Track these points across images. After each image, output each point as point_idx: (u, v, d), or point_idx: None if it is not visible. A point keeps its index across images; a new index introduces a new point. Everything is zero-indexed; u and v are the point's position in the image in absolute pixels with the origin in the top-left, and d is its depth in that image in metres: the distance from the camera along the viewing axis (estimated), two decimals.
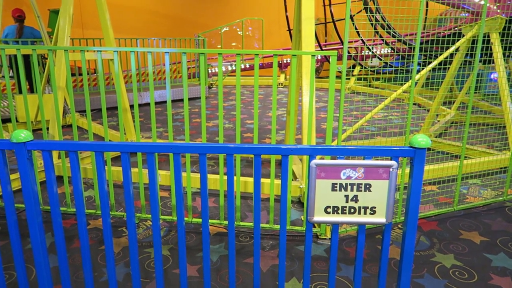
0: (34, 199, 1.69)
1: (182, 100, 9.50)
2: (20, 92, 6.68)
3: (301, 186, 3.79)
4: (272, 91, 3.30)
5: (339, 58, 12.32)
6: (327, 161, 1.54)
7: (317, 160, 1.54)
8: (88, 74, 9.13)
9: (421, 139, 1.52)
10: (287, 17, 11.03)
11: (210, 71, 11.92)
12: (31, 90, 7.44)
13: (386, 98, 4.89)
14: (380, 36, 9.11)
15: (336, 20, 10.11)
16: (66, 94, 5.86)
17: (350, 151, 1.59)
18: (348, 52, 11.36)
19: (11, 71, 7.65)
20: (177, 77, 10.30)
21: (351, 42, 11.19)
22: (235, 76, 11.75)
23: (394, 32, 8.65)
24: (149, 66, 3.16)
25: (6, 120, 6.73)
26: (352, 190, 1.56)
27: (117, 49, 3.36)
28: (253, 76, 12.10)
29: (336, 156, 1.60)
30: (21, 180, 1.66)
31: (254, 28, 14.19)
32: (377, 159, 1.76)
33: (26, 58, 6.80)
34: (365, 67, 11.43)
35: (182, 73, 4.60)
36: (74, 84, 8.80)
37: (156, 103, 9.20)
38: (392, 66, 10.51)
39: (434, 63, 4.89)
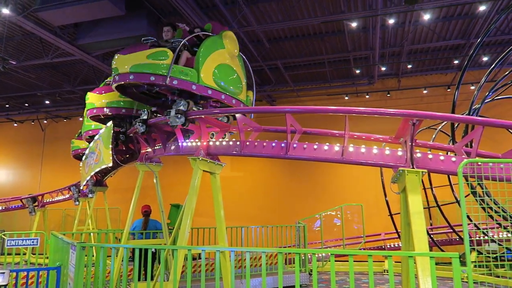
0: None
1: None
2: (139, 279, 7.15)
3: None
4: None
5: (448, 243, 11.41)
6: None
7: None
8: (194, 259, 9.60)
9: None
10: (387, 201, 11.04)
11: (309, 256, 11.74)
12: (145, 277, 7.95)
13: None
14: (496, 220, 8.45)
15: (441, 204, 9.80)
16: None
17: None
18: (459, 237, 10.54)
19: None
20: (273, 263, 10.21)
21: (461, 225, 10.47)
22: (340, 261, 11.38)
23: (510, 216, 8.01)
24: (247, 265, 3.28)
25: None
26: None
27: (234, 249, 3.62)
28: (358, 261, 11.58)
29: None
30: None
31: (353, 212, 14.29)
32: None
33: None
34: (483, 253, 10.30)
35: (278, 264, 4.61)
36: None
37: None
38: None
39: None
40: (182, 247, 3.89)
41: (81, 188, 11.64)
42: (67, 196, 14.02)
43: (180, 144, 6.31)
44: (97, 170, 7.65)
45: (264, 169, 16.24)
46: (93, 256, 8.95)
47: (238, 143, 5.60)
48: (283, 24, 10.63)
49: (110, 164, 7.11)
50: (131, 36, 10.08)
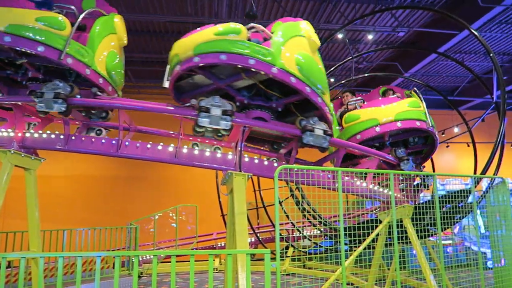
0: None
1: None
2: None
3: None
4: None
5: (272, 240, 12.64)
6: None
7: None
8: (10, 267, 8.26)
9: None
10: (220, 203, 11.55)
11: (141, 259, 11.39)
12: None
13: (321, 279, 4.96)
14: (308, 219, 9.74)
15: (267, 205, 10.76)
16: None
17: None
18: (280, 235, 11.81)
19: None
20: (105, 267, 9.61)
21: (282, 224, 11.70)
22: (167, 262, 11.32)
23: (318, 215, 9.37)
24: (59, 273, 3.03)
25: None
26: None
27: (43, 255, 3.24)
28: (186, 261, 11.71)
29: None
30: None
31: (188, 212, 14.46)
32: None
33: None
34: (297, 248, 11.72)
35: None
36: None
37: None
38: (322, 246, 10.93)
39: (360, 249, 5.22)
40: None
41: None
42: None
43: None
44: None
45: (96, 167, 15.05)
46: None
47: (62, 136, 5.04)
48: (127, 15, 10.11)
49: None
50: None
